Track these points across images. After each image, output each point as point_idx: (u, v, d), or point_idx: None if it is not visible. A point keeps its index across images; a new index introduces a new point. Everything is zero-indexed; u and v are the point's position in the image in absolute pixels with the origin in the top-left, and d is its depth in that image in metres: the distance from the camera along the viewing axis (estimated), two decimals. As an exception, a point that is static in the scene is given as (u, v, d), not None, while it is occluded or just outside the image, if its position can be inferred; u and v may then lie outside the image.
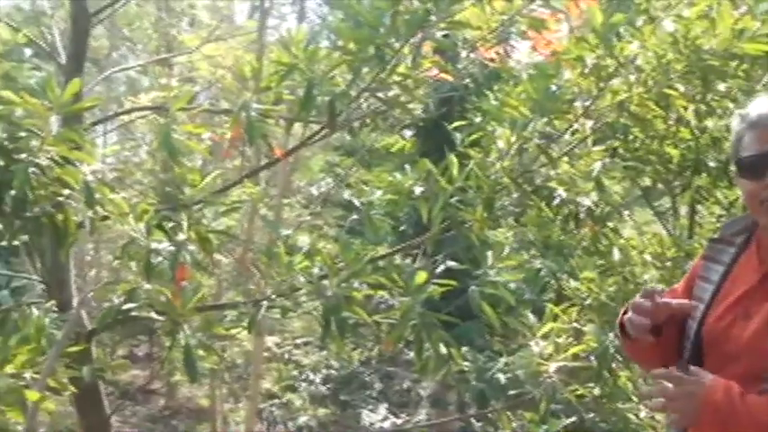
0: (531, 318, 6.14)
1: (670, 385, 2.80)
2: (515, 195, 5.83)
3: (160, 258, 4.67)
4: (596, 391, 6.36)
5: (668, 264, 6.91)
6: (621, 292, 6.71)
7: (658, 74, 5.20)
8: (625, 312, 3.12)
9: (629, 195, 8.61)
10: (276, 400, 20.37)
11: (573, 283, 6.80)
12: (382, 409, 18.01)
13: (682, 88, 5.33)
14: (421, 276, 4.88)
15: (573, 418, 5.74)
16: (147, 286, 4.89)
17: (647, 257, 7.02)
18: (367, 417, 17.70)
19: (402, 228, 15.14)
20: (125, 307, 4.98)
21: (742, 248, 3.11)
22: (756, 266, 3.00)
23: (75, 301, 5.70)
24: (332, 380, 19.34)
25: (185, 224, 4.71)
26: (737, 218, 3.40)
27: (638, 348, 3.18)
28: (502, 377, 6.93)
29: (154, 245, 4.69)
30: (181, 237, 4.70)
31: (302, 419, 19.38)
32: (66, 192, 4.60)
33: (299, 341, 21.87)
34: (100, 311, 5.40)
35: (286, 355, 21.43)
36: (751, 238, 3.11)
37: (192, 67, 17.04)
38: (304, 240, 5.29)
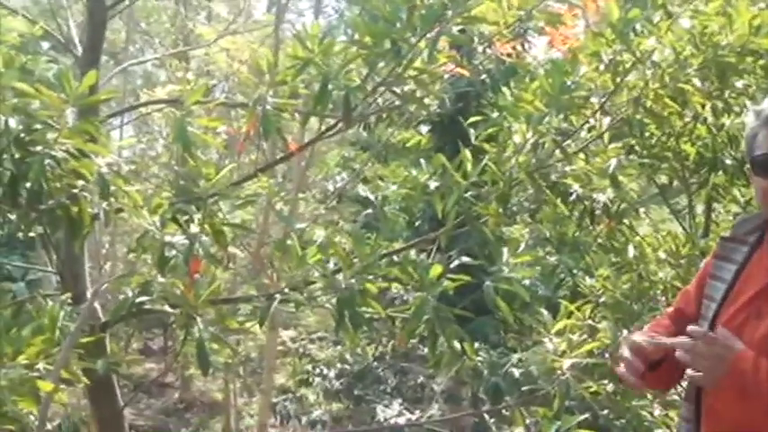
0: (546, 314, 6.13)
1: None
2: (531, 191, 5.82)
3: (174, 251, 4.68)
4: (610, 389, 6.36)
5: (683, 261, 6.90)
6: (635, 289, 6.69)
7: (675, 70, 5.18)
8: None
9: (645, 193, 8.59)
10: (290, 395, 20.41)
11: (588, 281, 6.79)
12: (396, 404, 18.01)
13: (698, 84, 5.31)
14: (435, 270, 4.87)
15: (586, 415, 5.72)
16: (161, 279, 4.89)
17: (662, 255, 7.00)
18: (381, 412, 17.71)
19: (417, 223, 15.16)
20: (139, 300, 4.98)
21: (755, 247, 3.10)
22: (768, 266, 3.00)
23: (89, 294, 5.71)
24: (346, 375, 19.36)
25: (199, 217, 4.71)
26: (750, 216, 3.38)
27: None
28: (516, 371, 6.92)
29: (168, 237, 4.70)
30: (195, 229, 4.70)
31: (316, 414, 19.41)
32: (81, 183, 4.60)
33: (313, 336, 21.92)
34: (115, 304, 5.41)
35: (301, 350, 21.47)
36: (763, 236, 3.10)
37: (210, 60, 17.06)
38: (319, 234, 5.28)
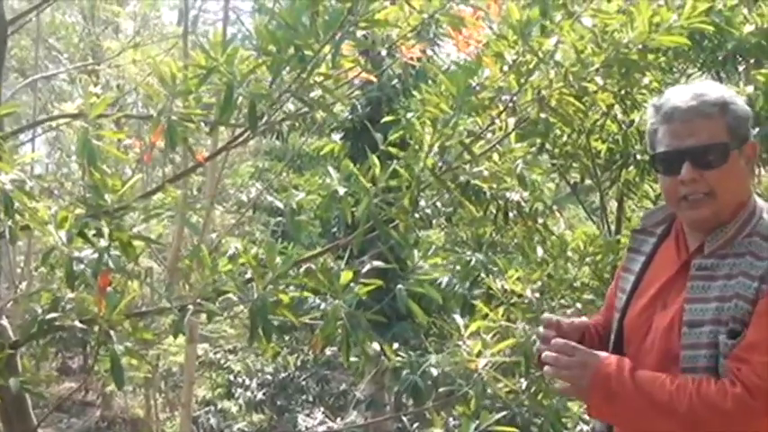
0: (459, 318, 6.16)
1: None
2: (445, 195, 5.83)
3: (82, 266, 4.60)
4: (528, 387, 6.40)
5: (597, 259, 6.97)
6: (547, 288, 6.75)
7: (578, 69, 5.22)
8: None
9: (560, 192, 8.68)
10: (212, 407, 20.29)
11: (498, 283, 6.77)
12: (318, 413, 17.96)
13: (601, 82, 5.36)
14: (346, 276, 4.86)
15: (504, 413, 5.76)
16: (71, 295, 4.82)
17: (571, 254, 7.07)
18: (303, 421, 17.64)
19: (334, 230, 15.17)
20: (49, 316, 4.90)
21: (662, 239, 3.14)
22: (675, 257, 3.04)
23: None
24: (267, 385, 19.27)
25: (107, 230, 4.64)
26: (657, 208, 3.44)
27: None
28: (434, 371, 6.93)
29: (75, 252, 4.62)
30: (103, 243, 4.63)
31: (238, 426, 19.30)
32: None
33: (233, 347, 21.83)
34: (28, 323, 5.32)
35: (221, 361, 21.37)
36: (671, 228, 3.14)
37: (118, 74, 16.93)
38: (234, 245, 5.24)
